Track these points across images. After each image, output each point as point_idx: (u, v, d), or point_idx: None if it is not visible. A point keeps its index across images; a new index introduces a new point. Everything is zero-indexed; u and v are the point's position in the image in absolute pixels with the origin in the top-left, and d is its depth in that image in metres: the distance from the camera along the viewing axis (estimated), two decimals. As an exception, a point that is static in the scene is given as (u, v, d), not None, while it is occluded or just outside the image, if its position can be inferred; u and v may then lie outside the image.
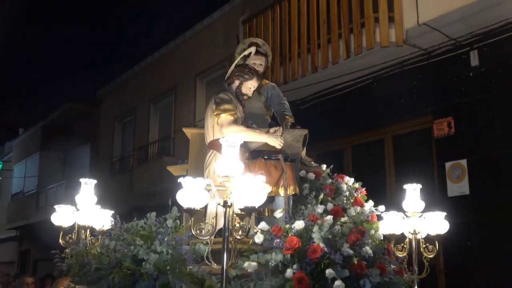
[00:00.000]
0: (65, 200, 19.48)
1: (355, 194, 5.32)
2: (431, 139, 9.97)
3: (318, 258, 4.00)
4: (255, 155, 5.58)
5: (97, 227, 5.22)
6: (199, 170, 5.43)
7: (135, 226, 4.52)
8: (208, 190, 4.04)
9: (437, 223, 4.56)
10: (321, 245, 4.02)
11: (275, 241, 4.21)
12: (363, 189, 5.30)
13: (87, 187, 5.41)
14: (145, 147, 17.53)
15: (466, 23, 9.16)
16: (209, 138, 5.59)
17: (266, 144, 5.45)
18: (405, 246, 4.71)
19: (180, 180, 4.00)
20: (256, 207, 3.86)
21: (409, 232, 4.64)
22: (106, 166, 19.75)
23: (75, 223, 5.37)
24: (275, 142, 5.37)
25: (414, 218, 4.64)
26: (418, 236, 4.68)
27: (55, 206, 5.52)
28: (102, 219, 5.28)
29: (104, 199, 17.06)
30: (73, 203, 15.71)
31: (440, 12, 9.01)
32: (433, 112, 10.02)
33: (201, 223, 4.07)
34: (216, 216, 4.19)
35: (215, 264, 4.09)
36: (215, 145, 5.37)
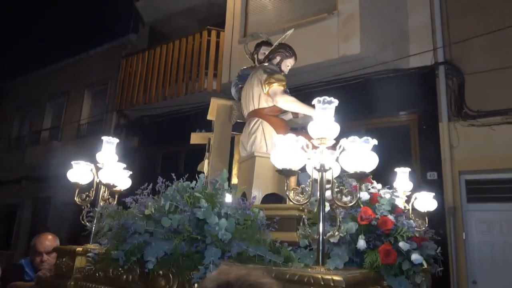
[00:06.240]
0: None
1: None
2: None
3: (391, 230, 2.04)
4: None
5: (120, 186, 2.62)
6: (224, 138, 3.12)
7: (186, 187, 2.12)
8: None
9: (427, 202, 2.85)
10: (390, 217, 2.09)
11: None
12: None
13: (109, 145, 2.75)
14: (38, 132, 12.92)
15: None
16: (252, 107, 3.22)
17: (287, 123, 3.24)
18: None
19: (274, 140, 1.92)
20: (367, 172, 1.84)
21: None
22: (4, 144, 14.30)
23: (93, 180, 2.70)
24: None
25: (403, 197, 2.90)
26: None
27: (72, 162, 2.76)
28: (123, 178, 2.69)
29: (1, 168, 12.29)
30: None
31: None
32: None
33: (297, 187, 1.89)
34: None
35: (310, 232, 1.88)
36: (261, 113, 3.14)
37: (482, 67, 6.42)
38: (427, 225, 2.66)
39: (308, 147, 1.87)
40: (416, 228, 2.29)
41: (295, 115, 3.20)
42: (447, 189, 6.41)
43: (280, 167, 1.84)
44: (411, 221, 2.24)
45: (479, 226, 6.47)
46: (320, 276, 1.64)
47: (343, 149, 1.84)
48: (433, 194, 2.85)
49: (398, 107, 6.99)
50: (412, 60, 6.97)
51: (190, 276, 1.91)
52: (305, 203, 1.85)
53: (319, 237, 1.82)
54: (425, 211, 2.75)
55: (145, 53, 9.22)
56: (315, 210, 2.10)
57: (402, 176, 2.92)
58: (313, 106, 1.99)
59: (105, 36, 11.64)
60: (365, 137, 1.79)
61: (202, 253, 1.89)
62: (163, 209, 2.00)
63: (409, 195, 2.85)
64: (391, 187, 2.74)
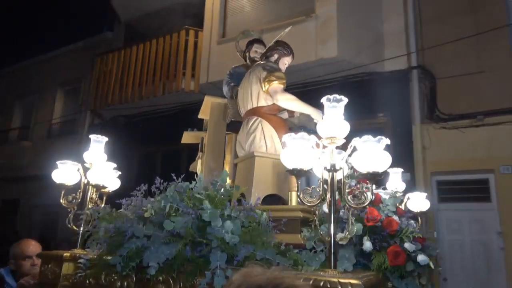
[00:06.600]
0: None
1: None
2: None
3: (396, 231, 1.96)
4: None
5: (109, 187, 2.39)
6: (219, 137, 2.94)
7: (185, 188, 1.95)
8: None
9: (420, 202, 2.76)
10: (395, 217, 2.01)
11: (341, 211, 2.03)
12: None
13: (97, 144, 2.49)
14: (6, 132, 11.93)
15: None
16: (250, 105, 3.00)
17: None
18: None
19: (284, 137, 1.75)
20: (380, 173, 1.74)
21: (392, 208, 2.74)
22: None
23: (80, 181, 2.43)
24: (319, 115, 2.90)
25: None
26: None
27: (58, 162, 2.45)
28: (112, 179, 2.44)
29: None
30: None
31: (218, 78, 7.17)
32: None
33: (308, 187, 1.77)
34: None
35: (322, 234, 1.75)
36: (260, 112, 2.92)
37: (453, 72, 6.56)
38: (420, 225, 2.59)
39: (319, 146, 1.76)
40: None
41: (291, 114, 3.07)
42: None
43: (290, 167, 1.71)
44: (412, 221, 2.17)
45: (449, 225, 6.58)
46: (336, 280, 1.53)
47: (354, 149, 1.75)
48: (426, 194, 2.79)
49: (373, 109, 7.04)
50: (387, 64, 7.04)
51: (192, 282, 1.75)
52: (317, 204, 1.73)
53: (331, 239, 1.71)
54: (418, 211, 2.68)
55: (121, 51, 8.84)
56: (320, 211, 1.99)
57: (395, 177, 2.84)
58: (316, 105, 1.89)
59: (79, 33, 10.95)
60: (378, 136, 1.70)
61: (206, 257, 1.74)
62: (162, 211, 1.83)
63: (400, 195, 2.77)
64: (384, 188, 2.67)
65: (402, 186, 2.81)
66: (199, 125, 6.35)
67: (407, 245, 1.94)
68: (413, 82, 6.88)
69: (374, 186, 2.49)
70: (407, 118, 6.82)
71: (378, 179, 1.72)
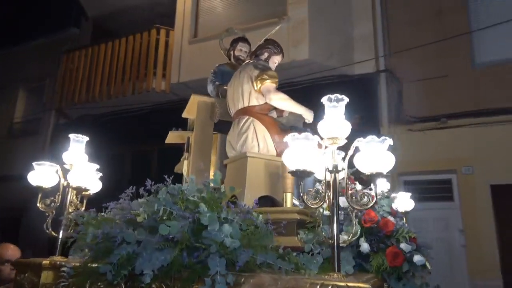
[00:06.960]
0: None
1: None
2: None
3: (392, 232, 1.91)
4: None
5: (92, 189, 2.18)
6: (206, 137, 2.78)
7: (178, 189, 1.81)
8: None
9: (405, 202, 2.74)
10: (391, 218, 1.96)
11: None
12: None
13: (78, 144, 2.29)
14: None
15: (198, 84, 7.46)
16: (241, 105, 2.80)
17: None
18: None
19: (286, 139, 1.66)
20: (384, 173, 1.69)
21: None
22: None
23: (59, 183, 2.20)
24: (310, 115, 2.84)
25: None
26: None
27: (34, 163, 2.21)
28: (94, 180, 2.23)
29: None
30: None
31: (190, 78, 7.41)
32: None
33: (311, 189, 1.68)
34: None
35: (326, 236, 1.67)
36: (251, 111, 2.75)
37: (418, 76, 6.72)
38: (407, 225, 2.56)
39: (321, 146, 1.67)
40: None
41: (280, 114, 2.97)
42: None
43: (293, 168, 1.62)
44: (403, 221, 2.14)
45: (416, 224, 6.69)
46: (345, 284, 1.45)
47: (357, 149, 1.68)
48: (410, 194, 2.79)
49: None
50: (356, 67, 7.12)
51: (188, 290, 1.62)
52: (320, 206, 1.65)
53: (334, 242, 1.63)
54: (404, 211, 2.66)
55: (88, 49, 8.40)
56: (317, 213, 1.91)
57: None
58: (315, 105, 1.82)
59: (43, 28, 10.18)
60: (382, 137, 1.64)
61: (204, 263, 1.61)
62: (155, 215, 1.69)
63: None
64: (370, 188, 2.62)
65: (387, 186, 2.78)
66: (172, 125, 6.14)
67: (403, 245, 1.90)
68: (381, 85, 7.00)
69: (361, 187, 2.45)
70: (376, 120, 6.93)
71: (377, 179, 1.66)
